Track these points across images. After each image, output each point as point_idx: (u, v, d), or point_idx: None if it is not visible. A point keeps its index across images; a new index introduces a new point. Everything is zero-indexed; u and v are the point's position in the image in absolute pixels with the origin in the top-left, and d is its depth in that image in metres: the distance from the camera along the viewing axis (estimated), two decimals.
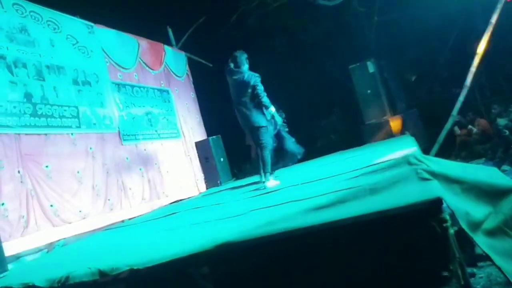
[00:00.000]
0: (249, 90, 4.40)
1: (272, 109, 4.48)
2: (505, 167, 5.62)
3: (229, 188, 6.21)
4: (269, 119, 4.51)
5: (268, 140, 4.50)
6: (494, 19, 6.72)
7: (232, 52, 4.57)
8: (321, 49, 9.50)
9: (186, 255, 2.44)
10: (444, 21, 8.17)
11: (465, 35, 8.07)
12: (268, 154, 4.45)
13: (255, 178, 6.53)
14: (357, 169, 3.53)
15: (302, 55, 9.73)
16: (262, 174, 4.51)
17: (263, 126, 4.45)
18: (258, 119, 4.43)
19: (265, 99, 4.42)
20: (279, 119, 4.66)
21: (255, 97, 4.41)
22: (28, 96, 4.82)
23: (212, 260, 2.48)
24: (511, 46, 7.79)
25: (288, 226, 2.35)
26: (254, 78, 4.41)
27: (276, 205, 3.07)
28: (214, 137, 7.67)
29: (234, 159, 8.36)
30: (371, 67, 7.78)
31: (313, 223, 2.29)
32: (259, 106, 4.43)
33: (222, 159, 7.47)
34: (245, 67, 4.51)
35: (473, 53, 6.84)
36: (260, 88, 4.41)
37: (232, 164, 8.09)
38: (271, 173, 4.46)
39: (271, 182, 4.34)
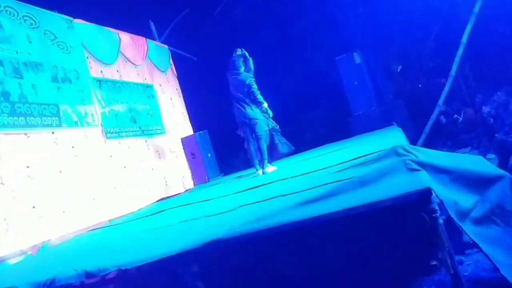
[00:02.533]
0: (245, 89, 5.19)
1: (265, 104, 5.23)
2: (490, 155, 5.70)
3: (218, 183, 6.17)
4: (262, 113, 5.25)
5: (262, 132, 5.23)
6: (476, 8, 6.79)
7: (234, 51, 5.41)
8: (307, 40, 9.46)
9: (175, 254, 2.40)
10: (428, 12, 8.22)
11: (449, 25, 8.14)
12: (264, 144, 5.21)
13: (244, 172, 6.51)
14: (346, 162, 3.52)
15: (288, 47, 9.67)
16: (257, 164, 5.28)
17: (257, 119, 5.20)
18: (253, 113, 5.19)
19: (259, 96, 5.18)
20: (271, 113, 5.32)
21: (250, 94, 5.17)
22: (5, 95, 4.65)
23: (202, 258, 2.44)
24: (493, 35, 7.89)
25: (277, 222, 2.32)
26: (249, 79, 5.21)
27: (265, 200, 3.04)
28: (200, 132, 7.59)
29: (222, 154, 8.29)
30: (357, 58, 7.78)
31: (302, 218, 2.27)
32: (254, 102, 5.19)
33: (209, 155, 7.41)
34: (242, 69, 5.32)
35: (457, 43, 6.91)
36: (254, 86, 5.19)
37: (220, 160, 8.03)
38: (268, 161, 5.26)
39: (270, 168, 5.20)
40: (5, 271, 3.72)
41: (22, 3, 5.23)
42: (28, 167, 4.65)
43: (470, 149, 6.61)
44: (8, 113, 4.60)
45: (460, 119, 7.38)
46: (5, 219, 4.21)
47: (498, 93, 6.93)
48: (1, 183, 4.31)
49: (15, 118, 4.68)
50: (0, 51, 4.73)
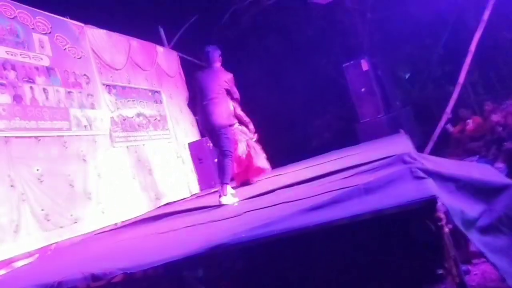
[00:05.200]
0: (222, 85, 3.99)
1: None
2: (498, 164, 5.64)
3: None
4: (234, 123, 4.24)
5: (229, 147, 4.04)
6: (485, 16, 6.76)
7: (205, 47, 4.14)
8: (314, 47, 9.49)
9: (180, 258, 2.41)
10: (436, 18, 8.21)
11: (457, 33, 8.12)
12: (229, 162, 4.01)
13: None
14: (352, 168, 3.51)
15: (295, 54, 9.71)
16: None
17: (227, 127, 4.06)
18: (223, 119, 4.00)
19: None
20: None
21: (229, 93, 4.08)
22: (17, 99, 4.74)
23: (207, 262, 2.45)
24: (502, 43, 7.85)
25: (282, 228, 2.32)
26: (230, 75, 4.06)
27: (270, 206, 3.04)
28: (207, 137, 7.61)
29: None
30: (365, 65, 7.77)
31: (307, 224, 2.26)
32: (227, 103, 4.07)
33: (216, 160, 7.42)
34: (219, 64, 4.13)
35: (466, 50, 6.87)
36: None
37: None
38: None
39: (227, 198, 3.81)
40: (13, 273, 3.77)
41: (35, 9, 5.36)
42: (38, 170, 4.72)
43: (478, 157, 6.53)
44: (20, 116, 4.69)
45: (468, 125, 7.31)
46: (14, 221, 4.27)
47: (507, 101, 6.87)
48: (11, 186, 4.38)
49: (27, 121, 4.77)
50: (13, 55, 4.83)
